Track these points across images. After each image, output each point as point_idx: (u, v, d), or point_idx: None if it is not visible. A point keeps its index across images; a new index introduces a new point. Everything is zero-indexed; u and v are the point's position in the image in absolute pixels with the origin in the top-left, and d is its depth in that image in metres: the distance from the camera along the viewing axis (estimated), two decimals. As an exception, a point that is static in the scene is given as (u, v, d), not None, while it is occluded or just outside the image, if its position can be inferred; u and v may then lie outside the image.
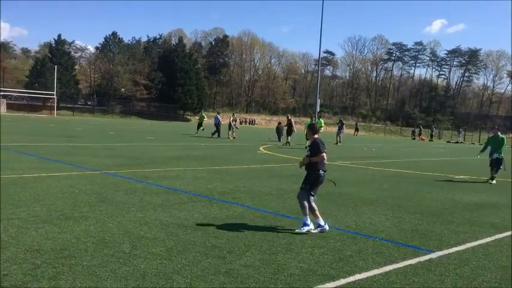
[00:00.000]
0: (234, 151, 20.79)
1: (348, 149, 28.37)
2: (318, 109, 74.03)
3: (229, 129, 31.05)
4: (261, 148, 23.59)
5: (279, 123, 33.30)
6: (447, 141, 54.75)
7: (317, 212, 6.76)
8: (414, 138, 55.57)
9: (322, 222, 6.71)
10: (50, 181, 9.70)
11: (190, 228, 6.51)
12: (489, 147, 14.60)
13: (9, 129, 27.17)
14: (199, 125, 33.14)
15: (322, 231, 6.67)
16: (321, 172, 6.88)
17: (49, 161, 13.06)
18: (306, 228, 6.65)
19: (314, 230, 6.67)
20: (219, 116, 32.00)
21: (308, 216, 6.73)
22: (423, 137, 56.47)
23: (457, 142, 53.15)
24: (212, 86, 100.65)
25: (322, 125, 24.49)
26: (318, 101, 73.37)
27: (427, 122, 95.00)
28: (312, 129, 7.19)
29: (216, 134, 30.78)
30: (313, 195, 6.88)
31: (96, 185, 9.61)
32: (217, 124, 31.02)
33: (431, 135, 54.41)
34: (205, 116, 34.81)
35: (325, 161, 6.94)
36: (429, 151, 31.87)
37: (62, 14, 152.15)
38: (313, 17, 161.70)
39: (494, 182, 13.89)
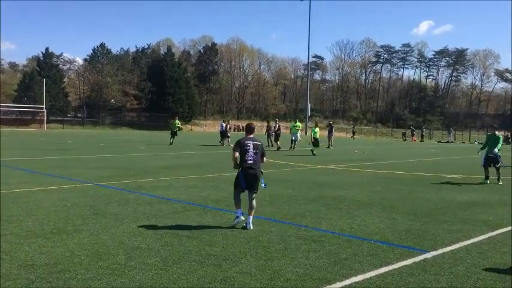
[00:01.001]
0: (225, 158, 20.75)
1: (341, 152, 28.45)
2: (309, 113, 74.88)
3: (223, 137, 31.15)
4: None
5: (268, 126, 32.73)
6: (438, 141, 54.97)
7: (249, 208, 7.28)
8: (405, 140, 55.76)
9: (239, 214, 7.26)
10: (42, 195, 9.64)
11: (185, 238, 6.49)
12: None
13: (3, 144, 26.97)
14: (173, 133, 30.06)
15: (238, 221, 7.21)
16: (240, 169, 7.29)
17: (40, 175, 12.98)
18: (236, 220, 7.24)
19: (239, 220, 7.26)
20: (223, 124, 31.96)
21: (240, 209, 7.29)
22: (415, 138, 56.70)
23: (447, 142, 53.41)
24: (202, 94, 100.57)
25: (317, 131, 25.15)
26: (309, 105, 74.30)
27: (417, 123, 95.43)
28: (247, 129, 7.67)
29: (224, 141, 30.83)
30: (252, 192, 7.32)
31: (88, 197, 9.57)
32: (223, 132, 31.41)
33: (422, 136, 54.50)
34: (179, 123, 32.13)
35: (238, 160, 7.31)
36: (420, 152, 32.04)
37: (50, 28, 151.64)
38: (301, 22, 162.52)
39: (489, 181, 13.90)
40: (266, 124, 31.62)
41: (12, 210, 7.99)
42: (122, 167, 15.57)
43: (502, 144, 14.71)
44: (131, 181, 12.19)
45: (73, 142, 31.53)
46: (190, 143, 33.28)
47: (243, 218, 7.24)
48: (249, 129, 7.61)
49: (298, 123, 29.48)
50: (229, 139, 30.54)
